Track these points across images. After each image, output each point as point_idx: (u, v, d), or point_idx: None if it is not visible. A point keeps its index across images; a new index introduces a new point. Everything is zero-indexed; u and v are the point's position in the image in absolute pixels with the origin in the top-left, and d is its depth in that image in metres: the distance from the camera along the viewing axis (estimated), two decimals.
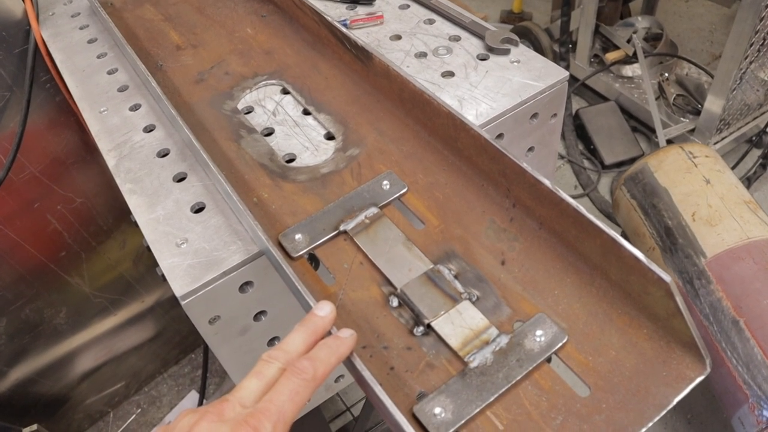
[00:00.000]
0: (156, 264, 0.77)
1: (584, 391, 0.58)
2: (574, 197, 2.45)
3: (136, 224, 0.83)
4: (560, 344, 0.60)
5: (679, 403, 0.58)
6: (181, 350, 2.19)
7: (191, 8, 1.20)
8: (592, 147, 2.63)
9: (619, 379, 0.58)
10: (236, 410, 0.51)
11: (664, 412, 0.56)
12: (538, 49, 2.90)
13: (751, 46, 2.09)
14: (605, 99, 2.77)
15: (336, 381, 0.96)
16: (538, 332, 0.61)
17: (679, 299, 0.56)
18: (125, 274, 1.83)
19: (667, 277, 0.56)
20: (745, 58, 2.13)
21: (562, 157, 2.67)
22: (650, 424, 0.55)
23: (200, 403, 1.89)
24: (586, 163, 2.64)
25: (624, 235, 1.86)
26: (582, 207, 0.62)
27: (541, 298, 0.65)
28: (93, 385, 1.99)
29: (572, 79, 2.84)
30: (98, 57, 1.13)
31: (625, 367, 0.59)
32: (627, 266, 0.60)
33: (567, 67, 2.63)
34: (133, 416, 2.10)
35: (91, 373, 1.96)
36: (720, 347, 1.38)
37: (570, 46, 2.82)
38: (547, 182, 0.65)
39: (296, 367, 0.53)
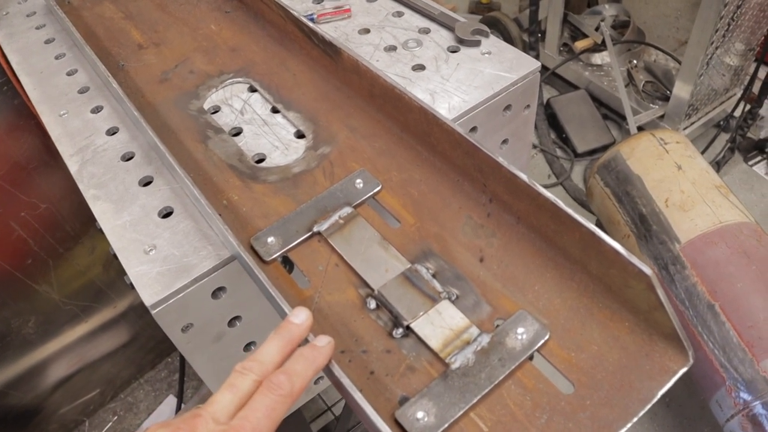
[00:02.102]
0: (125, 272, 0.74)
1: (568, 388, 0.57)
2: (547, 187, 2.46)
3: (101, 231, 0.80)
4: (542, 341, 0.59)
5: None
6: (156, 354, 2.15)
7: (152, 5, 1.16)
8: (564, 136, 2.64)
9: (602, 374, 0.57)
10: (209, 427, 0.49)
11: (648, 407, 0.55)
12: (508, 39, 2.90)
13: (716, 31, 2.11)
14: (576, 87, 2.78)
15: (316, 383, 0.94)
16: (520, 330, 0.60)
17: (660, 292, 0.55)
18: (96, 279, 1.79)
19: (648, 270, 0.55)
20: (711, 44, 2.15)
21: (534, 146, 2.68)
22: (635, 419, 0.55)
23: (178, 408, 1.86)
24: (559, 152, 2.65)
25: (599, 224, 1.86)
26: (560, 201, 0.61)
27: (522, 295, 0.64)
28: (66, 394, 1.94)
29: (542, 68, 2.84)
30: (56, 58, 1.09)
31: (608, 361, 0.58)
32: (607, 260, 0.59)
33: (537, 57, 2.64)
34: (110, 424, 2.06)
35: (64, 381, 1.91)
36: (696, 331, 1.39)
37: (539, 35, 2.82)
38: (523, 176, 0.63)
39: (272, 382, 0.51)
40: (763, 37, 2.35)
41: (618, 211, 1.66)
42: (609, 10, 2.86)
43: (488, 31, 0.96)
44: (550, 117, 2.71)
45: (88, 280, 1.77)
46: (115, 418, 2.07)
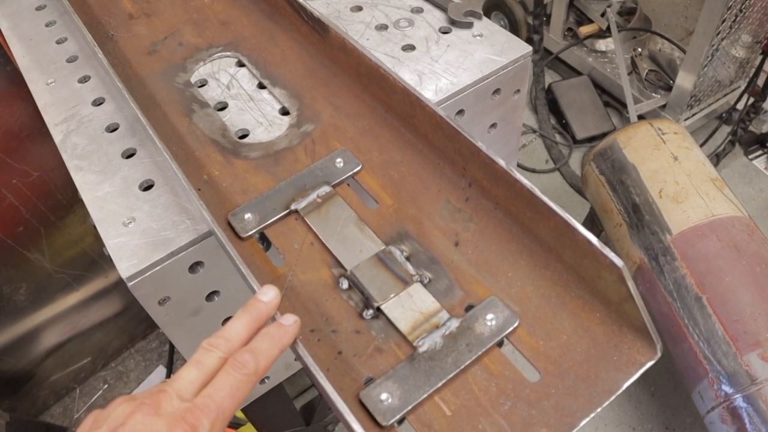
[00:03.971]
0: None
1: (534, 376, 0.57)
2: (545, 172, 2.46)
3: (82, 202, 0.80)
4: (511, 328, 0.59)
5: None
6: (148, 325, 2.16)
7: None
8: (564, 121, 2.62)
9: (569, 363, 0.57)
10: (174, 404, 0.49)
11: (612, 398, 0.55)
12: (513, 21, 2.87)
13: (723, 21, 2.08)
14: (578, 73, 2.76)
15: (296, 359, 0.94)
16: (489, 316, 0.60)
17: (630, 284, 0.55)
18: (88, 249, 1.79)
19: (619, 261, 0.54)
20: (717, 34, 2.12)
21: (534, 131, 2.66)
22: (599, 410, 0.55)
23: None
24: (558, 138, 2.63)
25: (592, 211, 1.86)
26: (536, 188, 0.61)
27: (494, 281, 0.63)
28: (58, 361, 1.96)
29: (546, 52, 2.82)
30: (47, 25, 1.08)
31: (576, 351, 0.58)
32: (581, 250, 0.58)
33: (540, 41, 2.61)
34: (100, 392, 2.08)
35: (56, 349, 1.92)
36: (683, 323, 1.39)
37: (544, 18, 2.79)
38: (501, 162, 0.63)
39: (237, 360, 0.51)
40: None
41: (612, 199, 1.66)
42: None
43: (481, 13, 0.95)
44: (550, 102, 2.69)
45: (81, 249, 1.78)
46: (106, 386, 2.09)
